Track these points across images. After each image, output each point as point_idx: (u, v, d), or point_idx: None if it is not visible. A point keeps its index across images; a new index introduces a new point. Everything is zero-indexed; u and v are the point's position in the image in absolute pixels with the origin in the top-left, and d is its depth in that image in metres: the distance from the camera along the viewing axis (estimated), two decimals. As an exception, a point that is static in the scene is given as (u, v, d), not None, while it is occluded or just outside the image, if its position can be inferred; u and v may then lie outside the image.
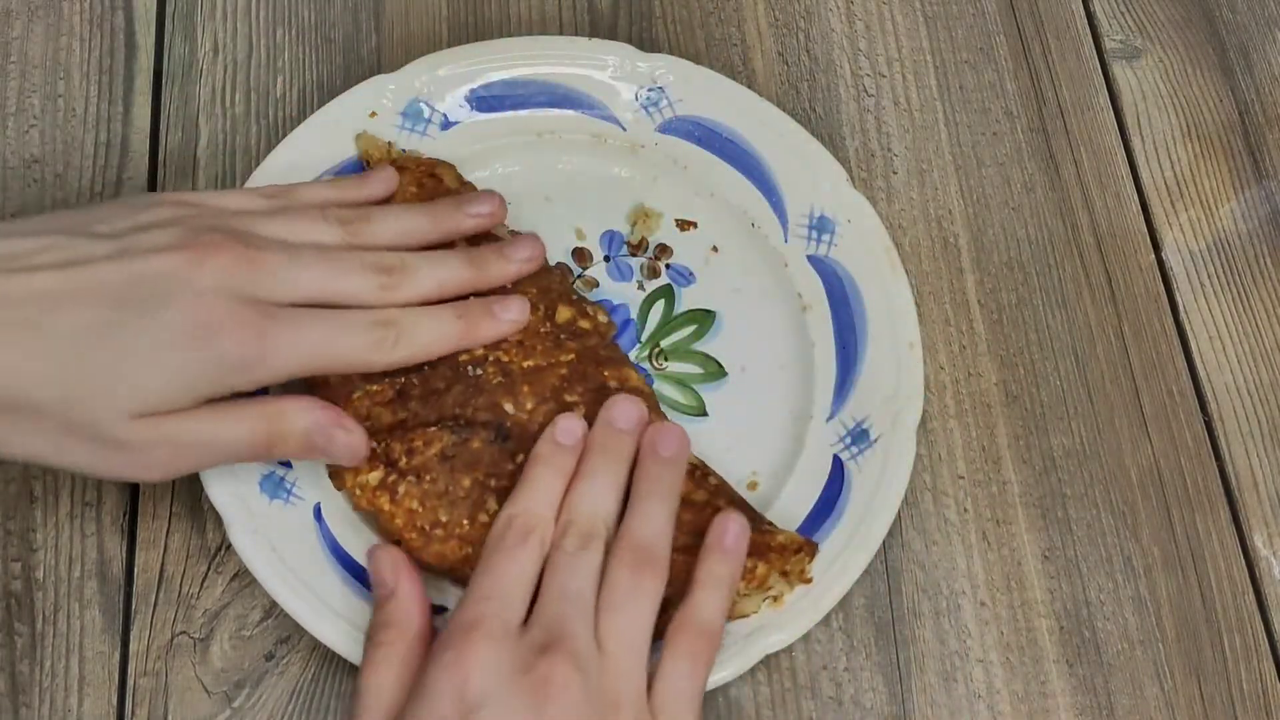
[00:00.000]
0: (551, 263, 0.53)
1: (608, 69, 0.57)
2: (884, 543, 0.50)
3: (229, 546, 0.49)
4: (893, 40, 0.63)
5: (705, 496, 0.49)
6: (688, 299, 0.55)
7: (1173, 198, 0.61)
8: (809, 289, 0.55)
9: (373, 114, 0.56)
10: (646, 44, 0.61)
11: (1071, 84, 0.62)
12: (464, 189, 0.54)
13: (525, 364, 0.49)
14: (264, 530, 0.48)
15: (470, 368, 0.49)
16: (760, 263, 0.56)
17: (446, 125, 0.56)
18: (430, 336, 0.47)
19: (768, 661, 0.50)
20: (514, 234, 0.54)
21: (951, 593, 0.52)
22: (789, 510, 0.51)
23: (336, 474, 0.49)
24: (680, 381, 0.54)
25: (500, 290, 0.50)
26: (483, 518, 0.47)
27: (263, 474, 0.49)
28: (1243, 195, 0.61)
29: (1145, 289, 0.59)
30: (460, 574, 0.47)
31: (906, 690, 0.51)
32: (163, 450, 0.43)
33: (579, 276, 0.55)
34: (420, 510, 0.47)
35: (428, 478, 0.48)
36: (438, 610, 0.47)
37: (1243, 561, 0.54)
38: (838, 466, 0.52)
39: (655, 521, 0.46)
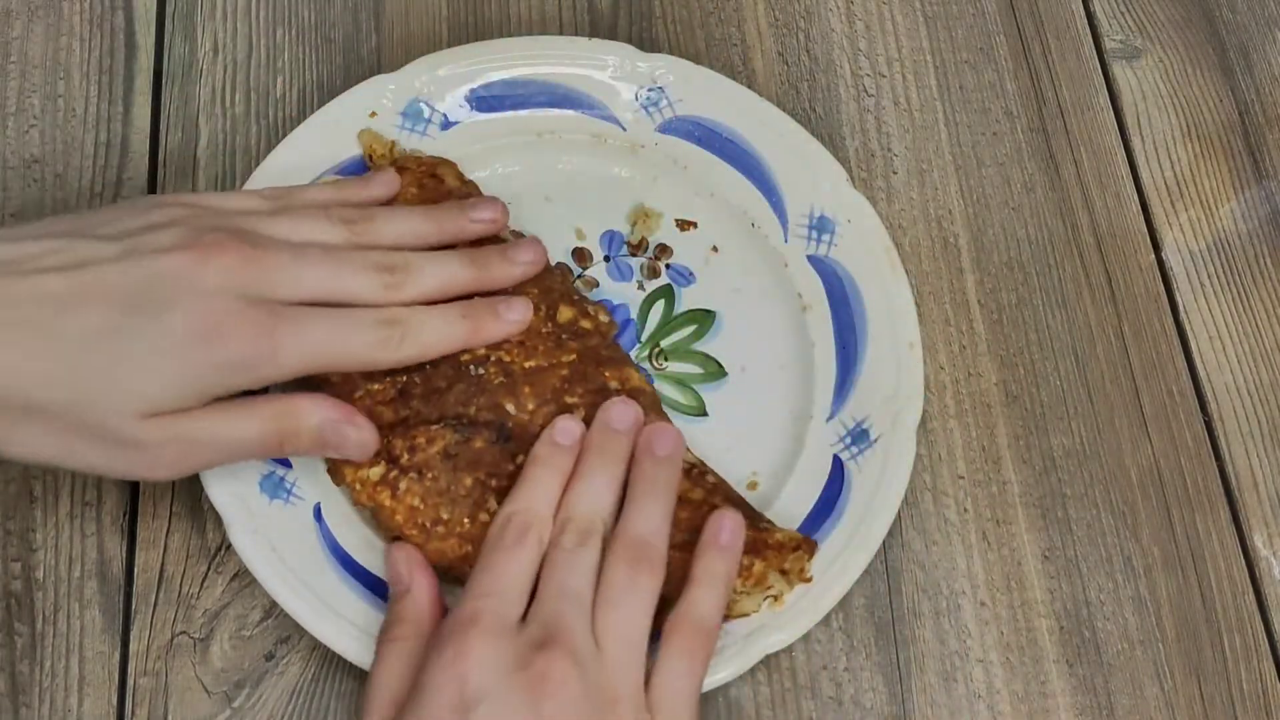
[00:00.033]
0: (551, 263, 0.53)
1: (608, 69, 0.57)
2: (884, 543, 0.50)
3: (229, 546, 0.49)
4: (893, 40, 0.63)
5: (702, 495, 0.49)
6: (688, 299, 0.55)
7: (1173, 198, 0.61)
8: (809, 289, 0.55)
9: (373, 114, 0.56)
10: (646, 44, 0.61)
11: (1071, 84, 0.62)
12: (465, 188, 0.54)
13: (527, 364, 0.49)
14: (264, 530, 0.48)
15: (472, 367, 0.49)
16: (760, 263, 0.56)
17: (446, 125, 0.56)
18: (436, 335, 0.47)
19: (768, 661, 0.50)
20: (515, 234, 0.54)
21: (951, 593, 0.52)
22: (789, 510, 0.51)
23: (336, 469, 0.49)
24: (680, 381, 0.54)
25: (502, 291, 0.50)
26: (483, 517, 0.47)
27: (263, 474, 0.49)
28: (1243, 195, 0.61)
29: (1145, 289, 0.59)
30: (459, 572, 0.47)
31: (906, 690, 0.51)
32: (173, 449, 0.43)
33: (579, 276, 0.55)
34: (421, 507, 0.47)
35: (429, 475, 0.48)
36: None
37: (1243, 561, 0.54)
38: (838, 466, 0.52)
39: (652, 519, 0.46)
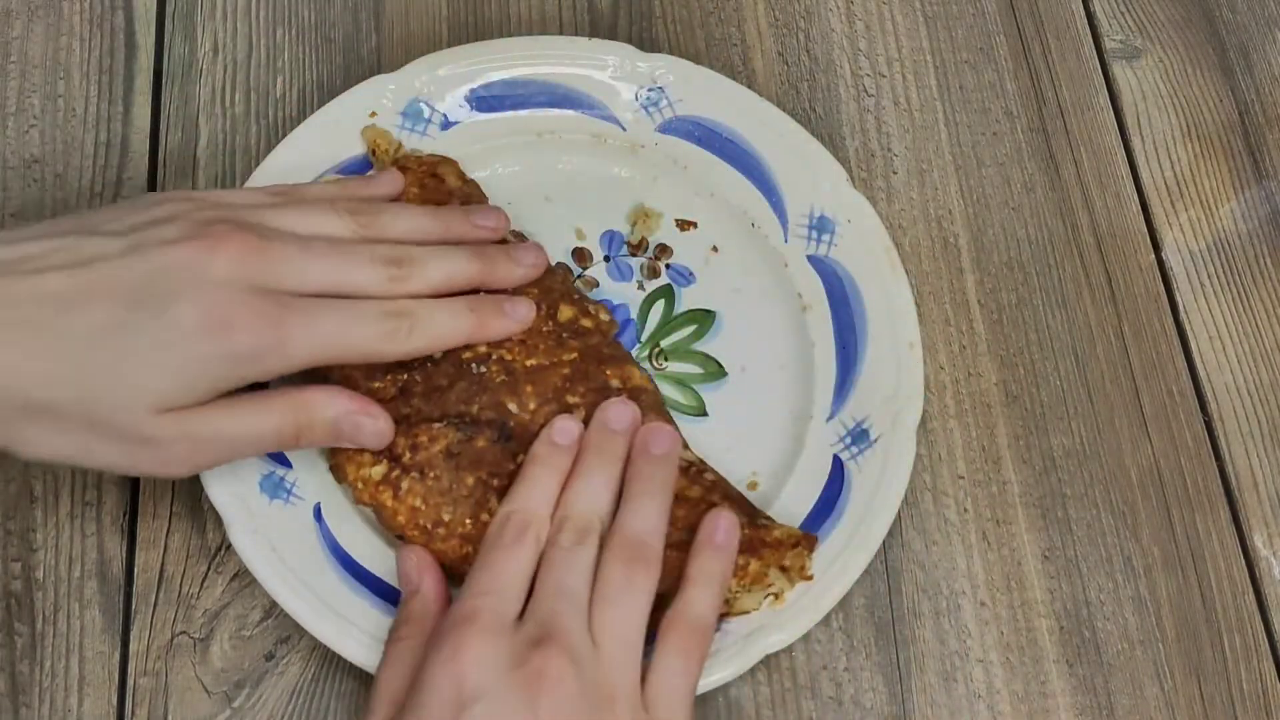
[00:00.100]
0: (552, 263, 0.53)
1: (608, 69, 0.57)
2: (884, 543, 0.50)
3: (229, 546, 0.49)
4: (893, 40, 0.63)
5: (700, 492, 0.49)
6: (688, 299, 0.55)
7: (1173, 198, 0.61)
8: (809, 289, 0.55)
9: (373, 114, 0.56)
10: (646, 44, 0.61)
11: (1071, 84, 0.62)
12: (466, 187, 0.54)
13: (529, 362, 0.49)
14: (264, 530, 0.48)
15: (474, 365, 0.49)
16: (760, 263, 0.56)
17: (446, 125, 0.56)
18: (443, 329, 0.47)
19: (768, 661, 0.50)
20: (517, 235, 0.54)
21: (951, 593, 0.52)
22: (789, 510, 0.51)
23: (338, 467, 0.49)
24: (680, 381, 0.54)
25: (502, 292, 0.50)
26: (485, 517, 0.47)
27: (263, 474, 0.49)
28: (1243, 195, 0.61)
29: (1145, 289, 0.59)
30: (459, 572, 0.47)
31: (906, 690, 0.51)
32: (186, 445, 0.43)
33: (579, 276, 0.55)
34: (423, 508, 0.47)
35: (431, 474, 0.48)
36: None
37: (1243, 561, 0.54)
38: (838, 466, 0.52)
39: (648, 518, 0.46)
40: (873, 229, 0.55)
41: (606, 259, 0.56)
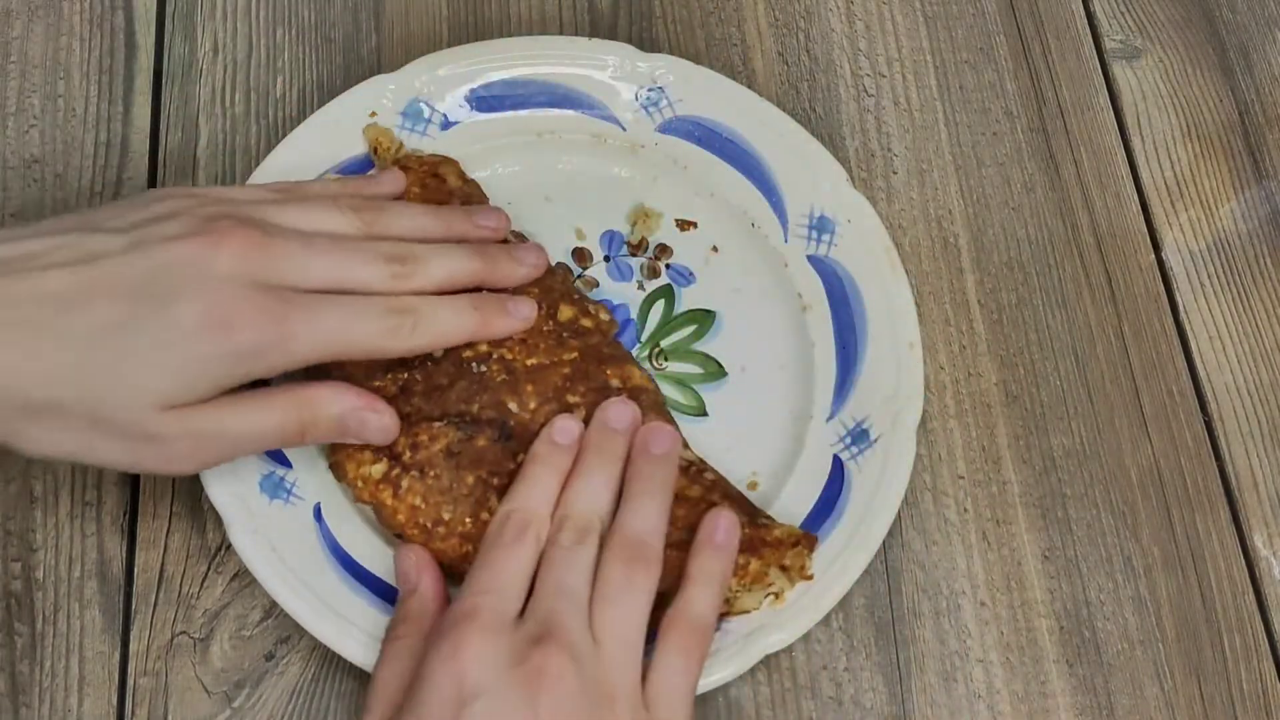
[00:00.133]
0: (552, 263, 0.53)
1: (608, 69, 0.57)
2: (884, 543, 0.50)
3: (229, 546, 0.49)
4: (893, 40, 0.63)
5: (700, 492, 0.49)
6: (688, 299, 0.55)
7: (1173, 198, 0.61)
8: (809, 289, 0.55)
9: (373, 114, 0.56)
10: (646, 44, 0.61)
11: (1071, 84, 0.62)
12: (467, 187, 0.54)
13: (529, 362, 0.49)
14: (264, 530, 0.48)
15: (474, 364, 0.49)
16: (760, 263, 0.56)
17: (446, 125, 0.56)
18: (447, 326, 0.47)
19: (768, 661, 0.50)
20: (518, 236, 0.54)
21: (951, 593, 0.52)
22: (789, 510, 0.51)
23: (338, 465, 0.49)
24: (680, 381, 0.54)
25: (504, 291, 0.50)
26: (485, 516, 0.47)
27: (263, 474, 0.49)
28: (1243, 195, 0.61)
29: (1145, 289, 0.59)
30: (459, 571, 0.47)
31: (906, 690, 0.51)
32: (190, 442, 0.43)
33: (579, 276, 0.55)
34: (423, 507, 0.47)
35: (431, 473, 0.48)
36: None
37: (1243, 561, 0.54)
38: (838, 466, 0.52)
39: (648, 517, 0.46)
40: (873, 229, 0.55)
41: (606, 259, 0.56)
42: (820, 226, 0.55)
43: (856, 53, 0.62)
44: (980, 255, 0.58)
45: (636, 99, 0.57)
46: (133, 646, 0.49)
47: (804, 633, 0.49)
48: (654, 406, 0.51)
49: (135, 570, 0.50)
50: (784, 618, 0.49)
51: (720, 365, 0.54)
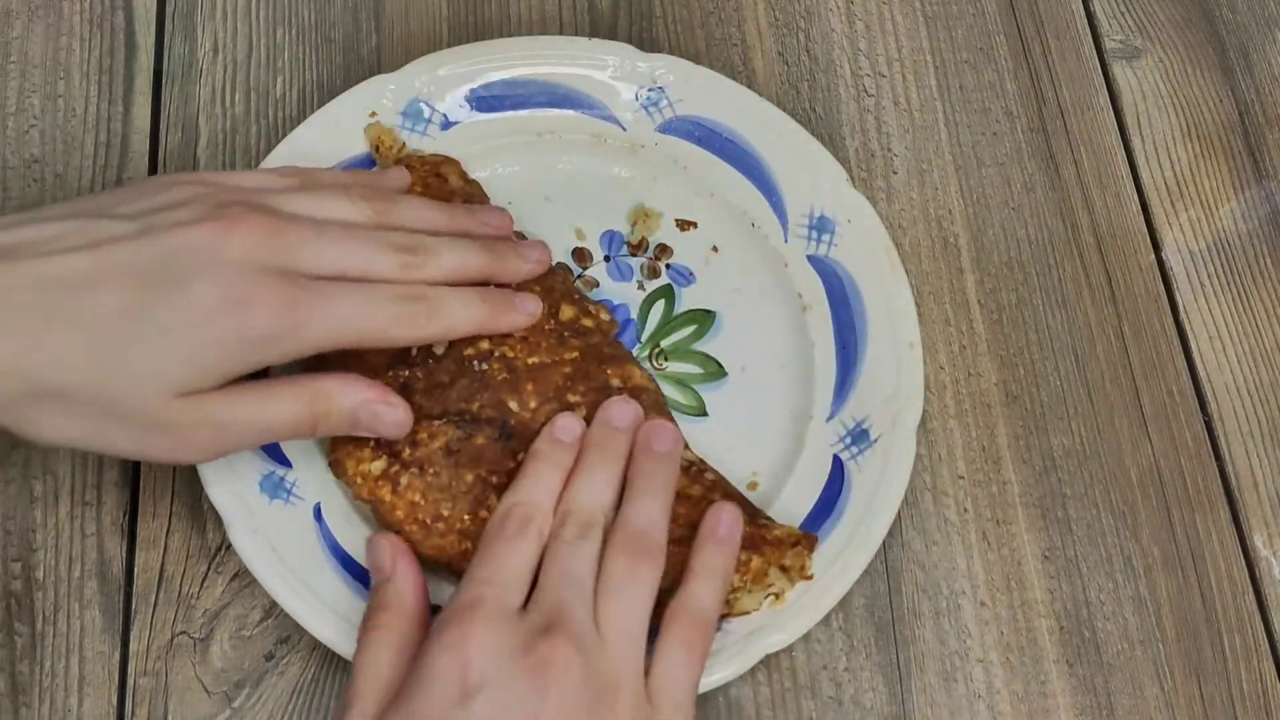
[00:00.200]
0: (552, 262, 0.53)
1: (608, 69, 0.57)
2: (884, 543, 0.50)
3: (229, 546, 0.49)
4: (893, 40, 0.63)
5: (701, 491, 0.49)
6: (688, 299, 0.55)
7: (1173, 198, 0.61)
8: (809, 289, 0.55)
9: (373, 114, 0.56)
10: (646, 44, 0.61)
11: (1071, 84, 0.62)
12: (468, 187, 0.54)
13: (530, 360, 0.49)
14: (264, 530, 0.48)
15: (475, 362, 0.49)
16: (760, 263, 0.56)
17: (446, 125, 0.56)
18: (458, 316, 0.47)
19: (768, 661, 0.50)
20: (517, 235, 0.54)
21: (951, 593, 0.52)
22: (789, 510, 0.51)
23: (338, 463, 0.49)
24: (680, 381, 0.54)
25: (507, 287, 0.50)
26: (483, 514, 0.47)
27: (263, 474, 0.49)
28: (1243, 195, 0.61)
29: (1145, 289, 0.59)
30: (458, 568, 0.47)
31: (906, 690, 0.51)
32: (203, 432, 0.43)
33: (579, 276, 0.55)
34: (422, 503, 0.47)
35: (430, 471, 0.48)
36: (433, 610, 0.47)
37: (1243, 561, 0.54)
38: (838, 466, 0.52)
39: (651, 513, 0.46)
40: (873, 229, 0.55)
41: (606, 259, 0.56)
42: (820, 226, 0.55)
43: (856, 53, 0.62)
44: (980, 255, 0.58)
45: (636, 99, 0.57)
46: (133, 646, 0.49)
47: (804, 633, 0.49)
48: (654, 406, 0.51)
49: (135, 570, 0.50)
50: (784, 618, 0.49)
51: (720, 365, 0.54)
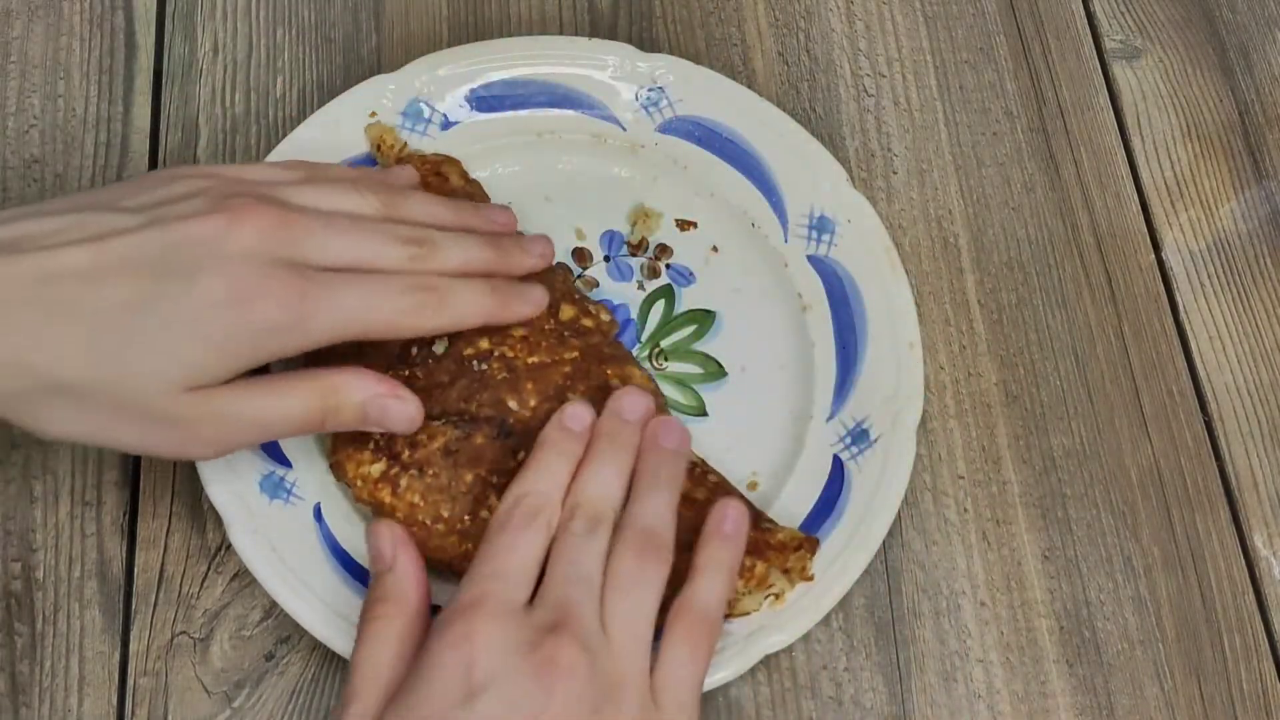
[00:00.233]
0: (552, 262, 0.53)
1: (608, 69, 0.57)
2: (884, 543, 0.50)
3: (229, 546, 0.49)
4: (893, 40, 0.63)
5: (705, 494, 0.49)
6: (688, 299, 0.55)
7: (1173, 198, 0.61)
8: (809, 289, 0.55)
9: (373, 114, 0.56)
10: (646, 44, 0.61)
11: (1071, 84, 0.62)
12: (469, 187, 0.54)
13: (530, 360, 0.49)
14: (264, 530, 0.48)
15: (475, 362, 0.49)
16: (760, 263, 0.56)
17: (446, 125, 0.56)
18: (467, 307, 0.47)
19: (768, 661, 0.50)
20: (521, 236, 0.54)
21: (951, 593, 0.52)
22: (789, 510, 0.51)
23: (338, 465, 0.49)
24: (680, 381, 0.54)
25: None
26: (484, 514, 0.47)
27: (263, 474, 0.49)
28: (1243, 195, 0.61)
29: (1145, 289, 0.59)
30: (459, 569, 0.47)
31: (906, 690, 0.51)
32: (211, 426, 0.43)
33: (579, 276, 0.55)
34: (421, 504, 0.47)
35: (430, 472, 0.48)
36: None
37: (1243, 561, 0.54)
38: (838, 466, 0.52)
39: (660, 511, 0.46)
40: (873, 229, 0.55)
41: (606, 259, 0.56)
42: (820, 226, 0.55)
43: (856, 53, 0.62)
44: (980, 255, 0.58)
45: (636, 99, 0.57)
46: (133, 646, 0.49)
47: (804, 633, 0.49)
48: (655, 407, 0.50)
49: (135, 570, 0.50)
50: (784, 618, 0.49)
51: (720, 365, 0.54)
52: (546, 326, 0.50)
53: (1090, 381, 0.57)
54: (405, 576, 0.45)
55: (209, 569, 0.51)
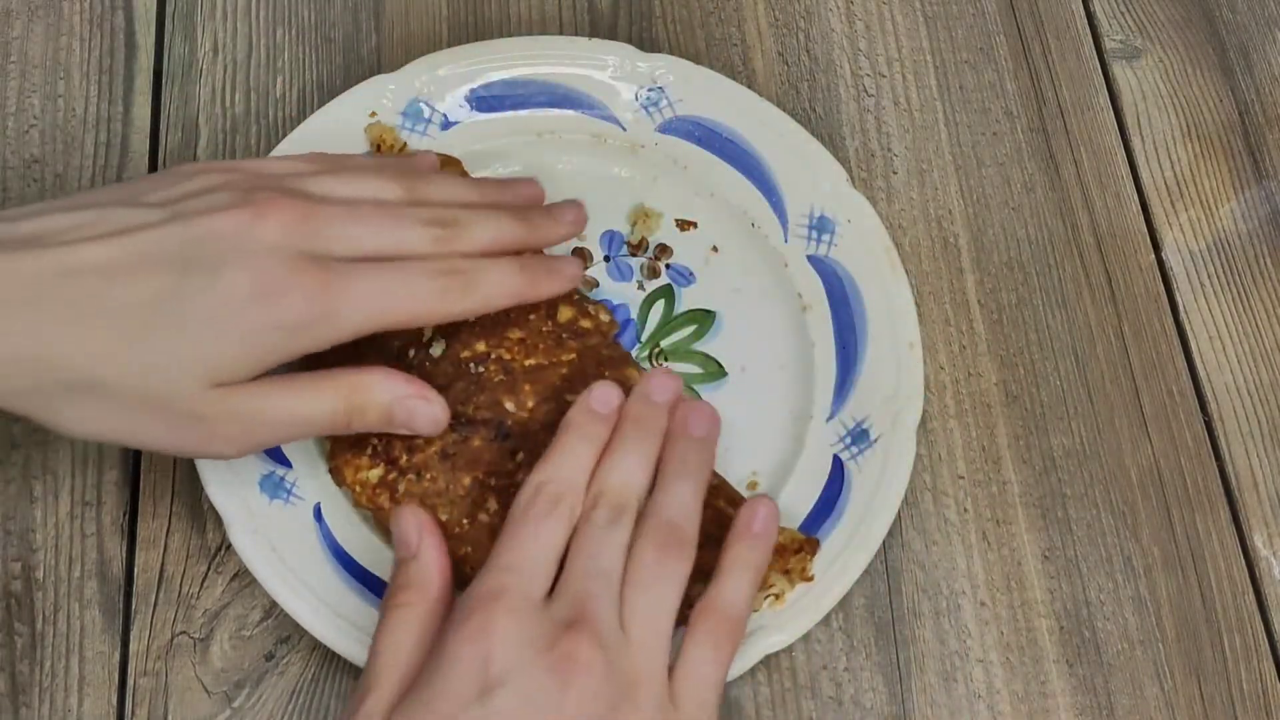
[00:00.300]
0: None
1: (608, 69, 0.57)
2: (884, 543, 0.50)
3: (229, 546, 0.49)
4: (893, 40, 0.63)
5: (706, 497, 0.49)
6: (688, 299, 0.55)
7: (1173, 198, 0.61)
8: (809, 289, 0.55)
9: (373, 114, 0.56)
10: (646, 44, 0.61)
11: (1071, 84, 0.62)
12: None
13: (527, 362, 0.49)
14: (264, 530, 0.48)
15: (472, 365, 0.49)
16: (760, 263, 0.56)
17: (446, 125, 0.56)
18: (496, 287, 0.46)
19: (768, 661, 0.50)
20: None
21: (951, 593, 0.52)
22: (789, 510, 0.51)
23: (336, 470, 0.49)
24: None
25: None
26: (482, 517, 0.47)
27: (263, 474, 0.49)
28: (1243, 195, 0.61)
29: (1145, 289, 0.59)
30: (458, 573, 0.47)
31: (906, 690, 0.51)
32: (237, 425, 0.42)
33: (579, 276, 0.55)
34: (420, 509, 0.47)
35: (428, 475, 0.48)
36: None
37: (1243, 561, 0.54)
38: (838, 466, 0.52)
39: (685, 502, 0.45)
40: (873, 229, 0.55)
41: (606, 259, 0.56)
42: (820, 226, 0.55)
43: (856, 53, 0.62)
44: (980, 255, 0.58)
45: (636, 99, 0.57)
46: (133, 646, 0.49)
47: (804, 633, 0.49)
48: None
49: (135, 570, 0.50)
50: (784, 618, 0.49)
51: (720, 365, 0.54)
52: (544, 328, 0.50)
53: (1090, 381, 0.57)
54: (429, 564, 0.44)
55: (209, 569, 0.51)
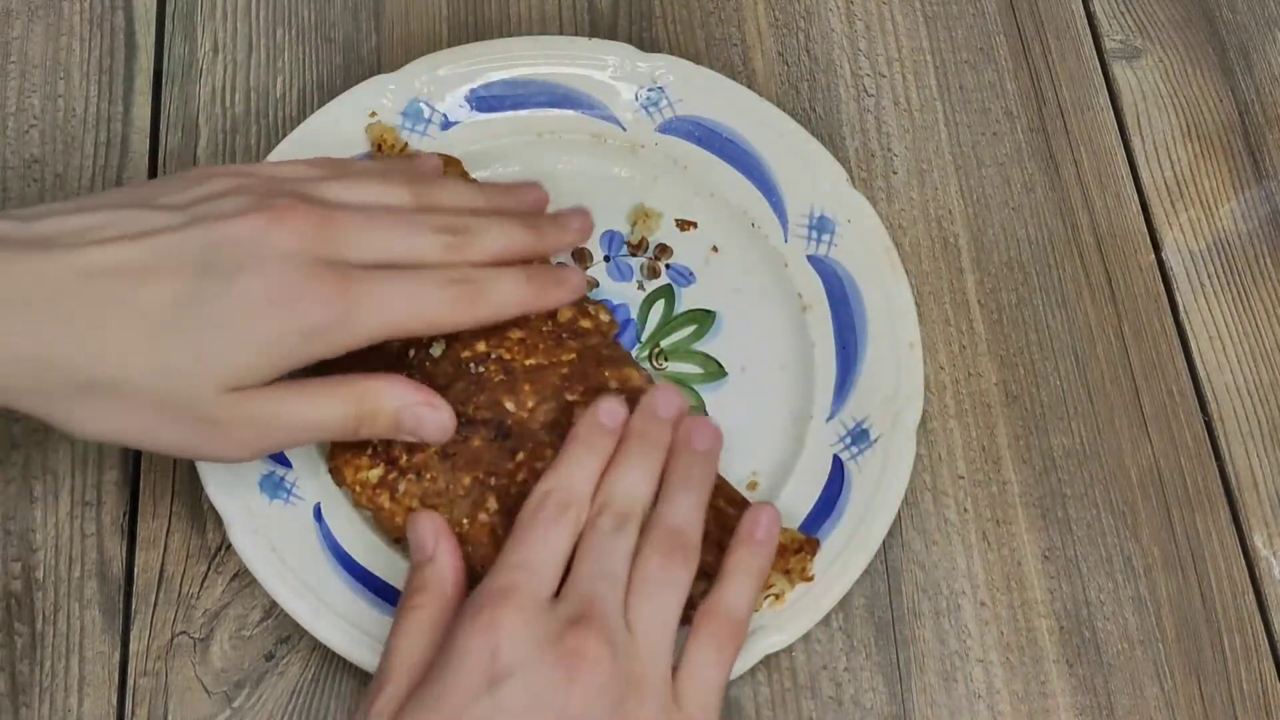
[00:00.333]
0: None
1: (608, 69, 0.57)
2: (884, 543, 0.50)
3: (229, 546, 0.49)
4: (893, 40, 0.63)
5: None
6: (688, 299, 0.55)
7: (1173, 198, 0.61)
8: (809, 289, 0.55)
9: (373, 114, 0.56)
10: (646, 44, 0.61)
11: (1071, 84, 0.62)
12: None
13: (527, 362, 0.49)
14: (264, 530, 0.48)
15: (472, 365, 0.49)
16: (760, 263, 0.56)
17: (446, 125, 0.56)
18: (506, 296, 0.46)
19: (768, 661, 0.50)
20: None
21: (951, 593, 0.52)
22: (789, 510, 0.51)
23: (337, 470, 0.49)
24: (680, 381, 0.54)
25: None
26: (482, 517, 0.47)
27: (263, 474, 0.49)
28: (1243, 195, 0.61)
29: (1145, 289, 0.59)
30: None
31: (906, 690, 0.51)
32: (251, 429, 0.43)
33: (579, 276, 0.55)
34: (420, 508, 0.47)
35: (428, 475, 0.48)
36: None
37: (1243, 561, 0.54)
38: (838, 466, 0.52)
39: (688, 512, 0.46)
40: (873, 229, 0.55)
41: (606, 259, 0.56)
42: (820, 226, 0.55)
43: (856, 53, 0.62)
44: (980, 255, 0.58)
45: (636, 99, 0.57)
46: (133, 646, 0.49)
47: (804, 633, 0.49)
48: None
49: (135, 570, 0.50)
50: (784, 618, 0.49)
51: (720, 365, 0.54)
52: (544, 328, 0.50)
53: (1090, 381, 0.57)
54: (445, 568, 0.45)
55: (209, 569, 0.51)
